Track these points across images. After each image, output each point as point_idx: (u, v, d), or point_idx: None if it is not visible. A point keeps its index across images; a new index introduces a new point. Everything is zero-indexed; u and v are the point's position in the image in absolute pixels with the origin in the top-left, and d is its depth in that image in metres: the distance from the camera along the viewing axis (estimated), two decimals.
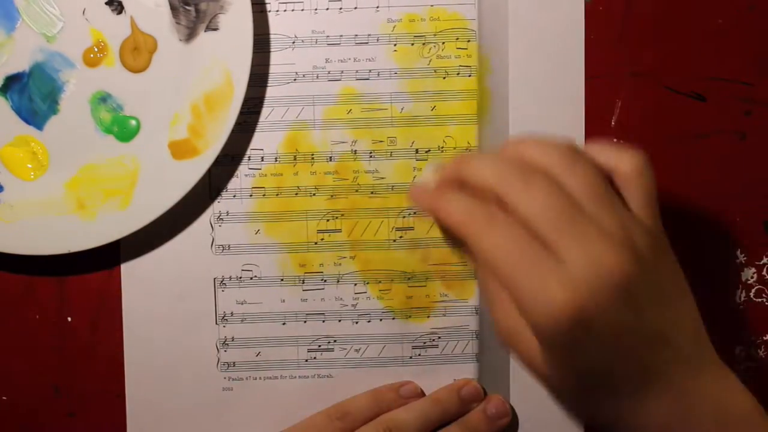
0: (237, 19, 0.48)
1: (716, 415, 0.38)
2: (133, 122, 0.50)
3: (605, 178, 0.37)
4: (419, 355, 0.52)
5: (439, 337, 0.52)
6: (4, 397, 0.53)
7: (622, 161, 0.38)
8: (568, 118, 0.51)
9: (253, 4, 0.48)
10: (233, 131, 0.49)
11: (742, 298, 0.53)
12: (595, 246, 0.35)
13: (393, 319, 0.52)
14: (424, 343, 0.52)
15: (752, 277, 0.53)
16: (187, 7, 0.48)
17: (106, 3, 0.49)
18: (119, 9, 0.49)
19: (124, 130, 0.50)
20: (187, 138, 0.49)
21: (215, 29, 0.48)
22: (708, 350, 0.39)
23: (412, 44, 0.51)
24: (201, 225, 0.52)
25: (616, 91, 0.52)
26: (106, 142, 0.50)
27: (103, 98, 0.50)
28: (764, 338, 0.53)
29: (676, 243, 0.51)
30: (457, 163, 0.39)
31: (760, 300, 0.53)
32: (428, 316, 0.52)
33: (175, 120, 0.49)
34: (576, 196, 0.36)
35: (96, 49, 0.49)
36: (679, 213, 0.52)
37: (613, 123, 0.52)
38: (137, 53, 0.49)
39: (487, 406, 0.52)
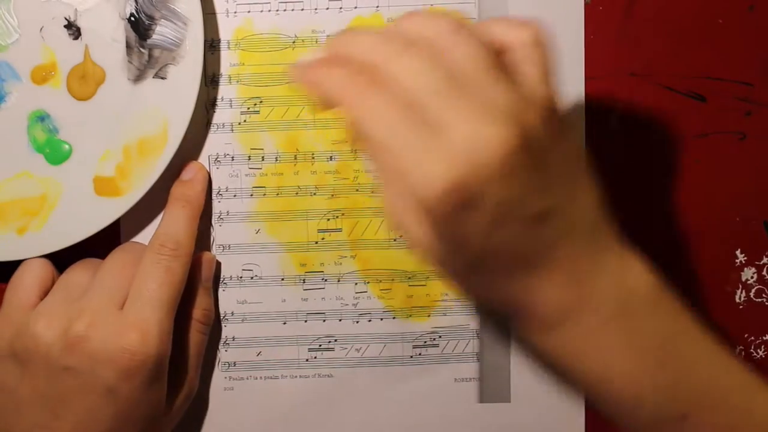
0: (186, 73, 0.48)
1: (618, 297, 0.38)
2: (66, 147, 0.50)
3: (492, 52, 0.35)
4: (420, 354, 0.52)
5: (440, 337, 0.52)
6: None
7: (514, 33, 0.36)
8: (568, 118, 0.51)
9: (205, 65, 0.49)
10: (235, 131, 0.50)
11: (742, 298, 0.53)
12: (476, 118, 0.33)
13: (393, 318, 0.52)
14: (425, 342, 0.52)
15: (752, 277, 0.53)
16: (142, 50, 0.48)
17: (65, 26, 0.49)
18: (76, 35, 0.49)
19: (55, 153, 0.50)
20: (113, 177, 0.49)
21: (163, 78, 0.48)
22: (608, 233, 0.39)
23: None
24: (201, 224, 0.51)
25: (616, 91, 0.52)
26: (35, 160, 0.50)
27: (41, 117, 0.50)
28: (764, 338, 0.53)
29: (677, 243, 0.51)
30: (337, 38, 0.37)
31: (760, 300, 0.53)
32: (429, 316, 0.52)
33: (105, 156, 0.49)
34: (459, 68, 0.34)
35: (45, 68, 0.49)
36: (679, 213, 0.52)
37: (613, 123, 0.52)
38: (84, 81, 0.49)
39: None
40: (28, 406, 0.45)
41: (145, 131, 0.49)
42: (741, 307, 0.53)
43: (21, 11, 0.49)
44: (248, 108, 0.51)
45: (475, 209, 0.34)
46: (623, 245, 0.39)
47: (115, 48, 0.49)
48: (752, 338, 0.53)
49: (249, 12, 0.50)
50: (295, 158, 0.51)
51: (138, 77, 0.49)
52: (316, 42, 0.51)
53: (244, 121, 0.51)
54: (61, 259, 0.50)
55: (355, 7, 0.51)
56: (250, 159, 0.51)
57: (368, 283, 0.52)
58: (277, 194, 0.52)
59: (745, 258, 0.53)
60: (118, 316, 0.45)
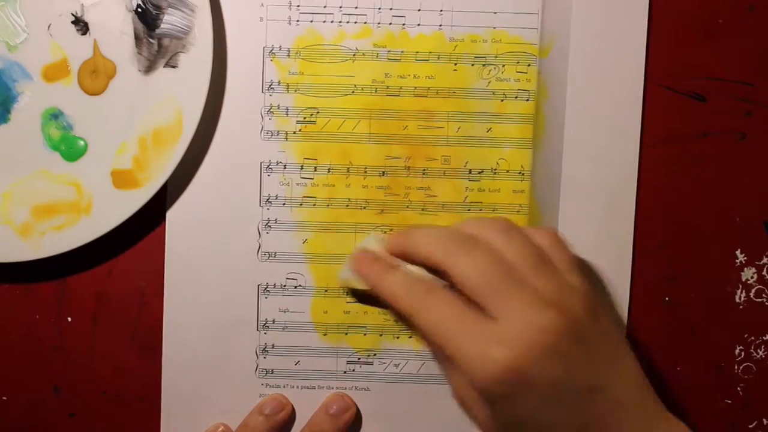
0: (197, 61, 0.48)
1: None
2: (81, 143, 0.50)
3: (538, 248, 0.39)
4: None
5: None
6: (4, 397, 0.53)
7: (539, 236, 0.40)
8: (622, 146, 0.50)
9: (214, 51, 0.48)
10: (289, 140, 0.50)
11: (742, 298, 0.53)
12: (529, 307, 0.37)
13: None
14: None
15: (752, 277, 0.53)
16: (151, 40, 0.48)
17: (72, 22, 0.49)
18: (84, 30, 0.49)
19: (71, 149, 0.50)
20: (131, 169, 0.49)
21: (174, 66, 0.48)
22: (655, 404, 0.41)
23: (473, 65, 0.51)
24: (248, 231, 0.51)
25: None
26: (51, 158, 0.50)
27: (55, 115, 0.50)
28: (764, 338, 0.53)
29: (677, 243, 0.51)
30: (401, 235, 0.41)
31: (760, 300, 0.53)
32: None
33: (122, 149, 0.49)
34: (513, 264, 0.38)
35: (55, 66, 0.49)
36: (680, 213, 0.53)
37: None
38: (95, 76, 0.49)
39: (328, 403, 0.52)
40: None
41: (160, 121, 0.49)
42: (741, 307, 0.53)
43: (28, 10, 0.49)
44: (304, 117, 0.51)
45: (530, 389, 0.37)
46: (668, 414, 0.41)
47: (124, 40, 0.49)
48: (752, 338, 0.53)
49: (312, 22, 0.50)
50: (348, 171, 0.51)
51: (149, 68, 0.49)
52: (377, 56, 0.51)
53: (300, 130, 0.51)
54: (66, 258, 0.50)
55: (418, 24, 0.51)
56: (302, 168, 0.51)
57: None
58: (327, 205, 0.51)
59: (745, 258, 0.53)
60: None
